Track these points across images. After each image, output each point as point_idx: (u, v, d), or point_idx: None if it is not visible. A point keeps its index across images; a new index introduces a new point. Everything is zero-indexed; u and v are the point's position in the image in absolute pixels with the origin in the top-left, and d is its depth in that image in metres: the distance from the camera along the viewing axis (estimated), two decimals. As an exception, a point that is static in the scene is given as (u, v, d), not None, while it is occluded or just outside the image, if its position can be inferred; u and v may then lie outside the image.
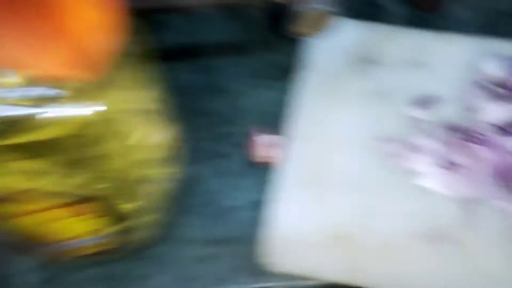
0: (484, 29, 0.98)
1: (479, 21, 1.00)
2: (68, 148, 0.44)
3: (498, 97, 0.84)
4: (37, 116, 0.40)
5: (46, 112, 0.41)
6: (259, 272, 0.80)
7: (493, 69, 0.87)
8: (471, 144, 0.77)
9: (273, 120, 0.92)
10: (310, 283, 0.80)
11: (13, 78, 0.39)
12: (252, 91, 0.96)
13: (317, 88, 0.91)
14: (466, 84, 0.88)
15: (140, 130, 0.59)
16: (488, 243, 0.75)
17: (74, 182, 0.49)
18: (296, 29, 0.86)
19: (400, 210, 0.79)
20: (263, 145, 0.88)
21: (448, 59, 0.93)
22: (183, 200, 0.85)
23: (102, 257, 0.79)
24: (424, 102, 0.87)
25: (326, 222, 0.79)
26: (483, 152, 0.76)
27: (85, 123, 0.42)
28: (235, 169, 0.89)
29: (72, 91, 0.41)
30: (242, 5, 0.94)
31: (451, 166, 0.79)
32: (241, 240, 0.82)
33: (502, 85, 0.84)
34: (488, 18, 1.00)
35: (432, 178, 0.80)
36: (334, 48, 0.95)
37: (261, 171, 0.87)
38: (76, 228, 0.60)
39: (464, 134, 0.79)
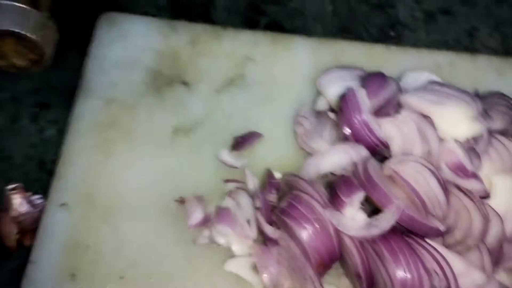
0: (342, 31, 0.72)
1: (336, 17, 0.74)
2: None
3: (338, 134, 0.60)
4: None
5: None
6: None
7: (339, 89, 0.62)
8: (289, 217, 0.53)
9: (42, 173, 0.65)
10: None
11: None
12: (22, 127, 0.69)
13: (94, 121, 0.64)
14: (301, 114, 0.64)
15: None
16: None
17: None
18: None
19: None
20: (19, 218, 0.62)
21: (279, 76, 0.66)
22: None
23: None
24: (243, 141, 0.62)
25: None
26: (302, 229, 0.53)
27: None
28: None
29: None
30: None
31: (268, 243, 0.56)
32: None
33: (341, 106, 0.59)
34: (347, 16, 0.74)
35: (245, 262, 0.56)
36: (121, 62, 0.67)
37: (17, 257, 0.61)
38: None
39: (284, 198, 0.56)
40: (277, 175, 0.60)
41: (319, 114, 0.63)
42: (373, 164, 0.55)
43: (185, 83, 0.67)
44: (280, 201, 0.57)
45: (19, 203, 0.63)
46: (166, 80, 0.67)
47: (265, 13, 0.75)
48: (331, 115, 0.62)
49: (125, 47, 0.68)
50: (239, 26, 0.72)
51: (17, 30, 0.58)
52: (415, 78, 0.63)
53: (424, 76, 0.63)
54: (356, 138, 0.57)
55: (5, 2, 0.57)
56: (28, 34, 0.58)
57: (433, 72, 0.64)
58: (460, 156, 0.53)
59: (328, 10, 0.74)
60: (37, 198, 0.63)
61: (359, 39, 0.71)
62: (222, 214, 0.58)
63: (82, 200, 0.60)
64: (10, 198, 0.63)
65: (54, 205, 0.60)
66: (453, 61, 0.67)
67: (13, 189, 0.63)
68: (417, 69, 0.65)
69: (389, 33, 0.73)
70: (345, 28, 0.73)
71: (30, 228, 0.61)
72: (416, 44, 0.71)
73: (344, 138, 0.59)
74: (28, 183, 0.64)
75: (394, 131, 0.57)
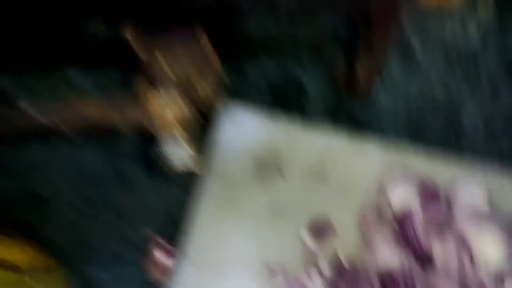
0: (409, 127, 0.86)
1: (406, 114, 0.88)
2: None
3: (394, 236, 0.77)
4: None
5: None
6: None
7: (400, 196, 0.79)
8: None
9: (174, 226, 0.90)
10: None
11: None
12: (158, 187, 0.92)
13: (213, 195, 0.85)
14: (366, 210, 0.81)
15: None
16: None
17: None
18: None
19: None
20: (160, 262, 0.87)
21: (353, 173, 0.84)
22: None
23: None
24: (320, 229, 0.82)
25: None
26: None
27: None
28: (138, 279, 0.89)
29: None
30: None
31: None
32: None
33: (400, 220, 0.77)
34: (415, 113, 0.87)
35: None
36: (237, 145, 0.87)
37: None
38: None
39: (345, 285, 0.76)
40: (344, 262, 0.80)
41: (381, 214, 0.80)
42: (417, 271, 0.74)
43: (279, 171, 0.86)
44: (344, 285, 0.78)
45: (157, 250, 0.88)
46: (266, 167, 0.86)
47: (343, 106, 0.90)
48: (391, 218, 0.79)
49: (238, 134, 0.87)
50: (324, 115, 0.89)
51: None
52: (464, 191, 0.78)
53: (473, 192, 0.77)
54: (408, 249, 0.75)
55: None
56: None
57: (482, 188, 0.78)
58: (486, 281, 0.70)
59: (400, 107, 0.88)
60: (170, 246, 0.88)
61: (423, 139, 0.85)
62: (298, 286, 0.80)
63: (202, 257, 0.84)
64: (151, 244, 0.89)
65: (182, 259, 0.85)
66: (503, 182, 0.80)
67: (153, 237, 0.89)
68: (468, 183, 0.79)
69: (450, 137, 0.86)
70: (411, 126, 0.87)
71: (167, 268, 0.88)
72: (473, 148, 0.84)
73: (399, 241, 0.77)
74: (159, 230, 0.89)
75: (438, 246, 0.74)
